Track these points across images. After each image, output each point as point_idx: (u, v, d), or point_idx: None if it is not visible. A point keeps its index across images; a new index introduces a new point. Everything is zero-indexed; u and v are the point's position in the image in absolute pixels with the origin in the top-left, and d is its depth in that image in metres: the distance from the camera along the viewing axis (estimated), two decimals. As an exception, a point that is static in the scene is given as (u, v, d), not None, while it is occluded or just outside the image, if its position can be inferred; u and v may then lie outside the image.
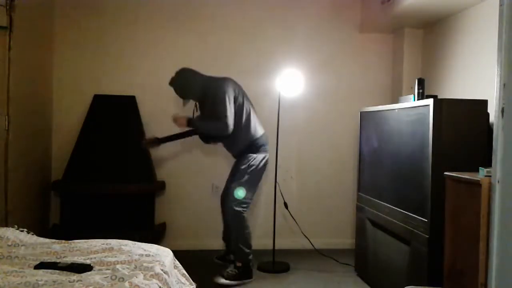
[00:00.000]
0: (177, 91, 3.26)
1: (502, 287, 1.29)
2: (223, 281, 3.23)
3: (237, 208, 3.22)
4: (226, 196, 3.34)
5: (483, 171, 1.93)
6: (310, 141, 4.23)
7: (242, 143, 3.29)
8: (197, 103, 3.39)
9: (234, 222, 3.27)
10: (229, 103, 3.14)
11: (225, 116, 3.10)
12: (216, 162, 4.04)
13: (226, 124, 3.10)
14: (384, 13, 3.71)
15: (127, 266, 1.93)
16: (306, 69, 4.02)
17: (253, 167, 3.26)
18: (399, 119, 2.85)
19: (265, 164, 3.33)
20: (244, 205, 3.26)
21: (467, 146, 2.45)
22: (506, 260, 1.27)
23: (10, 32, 3.00)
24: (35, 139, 3.67)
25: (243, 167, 3.26)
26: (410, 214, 2.65)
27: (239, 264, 3.29)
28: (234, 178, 3.30)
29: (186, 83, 3.25)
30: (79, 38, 4.00)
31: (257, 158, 3.28)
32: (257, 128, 3.33)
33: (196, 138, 3.42)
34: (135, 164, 3.75)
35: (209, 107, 3.23)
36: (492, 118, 2.42)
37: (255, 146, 3.29)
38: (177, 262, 2.37)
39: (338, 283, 3.32)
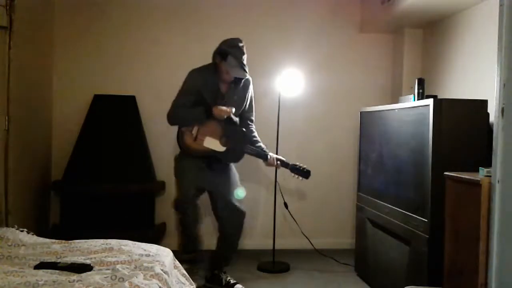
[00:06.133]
0: None
1: (502, 287, 1.29)
2: None
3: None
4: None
5: (483, 171, 1.93)
6: (310, 141, 4.23)
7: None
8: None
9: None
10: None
11: None
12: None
13: None
14: (384, 13, 3.71)
15: (127, 266, 1.93)
16: (306, 69, 4.02)
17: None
18: (399, 119, 2.85)
19: None
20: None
21: (467, 146, 2.45)
22: (506, 260, 1.27)
23: (10, 32, 2.99)
24: (35, 139, 3.67)
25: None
26: (410, 214, 2.65)
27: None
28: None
29: None
30: (79, 38, 4.00)
31: None
32: None
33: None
34: (135, 164, 3.75)
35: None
36: (492, 118, 2.41)
37: None
38: (177, 262, 2.37)
39: (338, 283, 3.32)
